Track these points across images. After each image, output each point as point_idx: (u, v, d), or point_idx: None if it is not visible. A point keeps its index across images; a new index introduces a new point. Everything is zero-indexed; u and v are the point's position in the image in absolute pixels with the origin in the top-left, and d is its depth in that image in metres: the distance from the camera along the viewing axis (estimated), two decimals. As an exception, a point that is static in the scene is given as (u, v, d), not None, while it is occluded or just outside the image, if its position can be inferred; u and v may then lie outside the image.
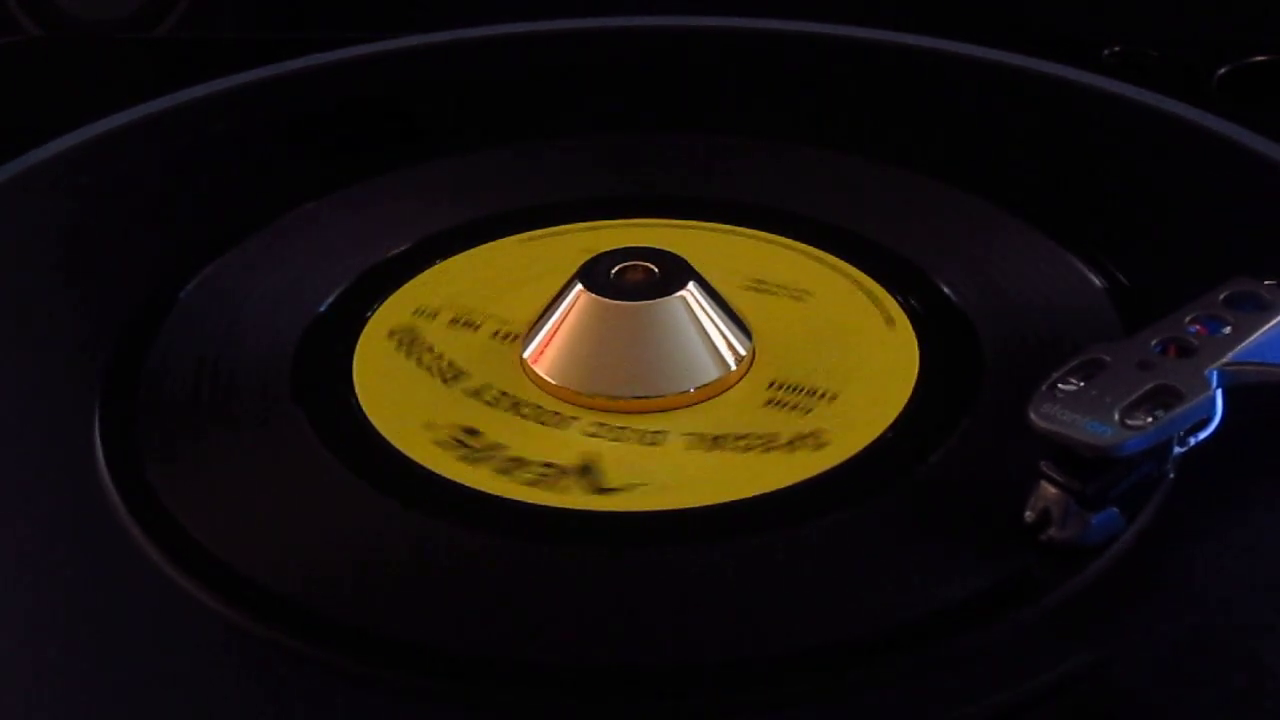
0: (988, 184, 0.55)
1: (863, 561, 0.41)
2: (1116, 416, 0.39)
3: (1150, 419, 0.39)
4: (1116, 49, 0.64)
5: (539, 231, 0.54)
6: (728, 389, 0.46)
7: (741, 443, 0.45)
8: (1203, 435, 0.41)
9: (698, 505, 0.43)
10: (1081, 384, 0.40)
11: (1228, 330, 0.42)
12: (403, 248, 0.53)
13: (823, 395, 0.46)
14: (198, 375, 0.47)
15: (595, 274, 0.47)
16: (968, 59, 0.64)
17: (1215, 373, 0.41)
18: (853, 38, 0.66)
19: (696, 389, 0.46)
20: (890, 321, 0.49)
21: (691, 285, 0.47)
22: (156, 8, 0.75)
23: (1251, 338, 0.42)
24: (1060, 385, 0.40)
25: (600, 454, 0.44)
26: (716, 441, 0.45)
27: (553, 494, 0.43)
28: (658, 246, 0.49)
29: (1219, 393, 0.40)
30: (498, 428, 0.45)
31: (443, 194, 0.56)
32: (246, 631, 0.39)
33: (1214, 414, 0.41)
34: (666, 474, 0.44)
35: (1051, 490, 0.40)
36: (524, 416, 0.46)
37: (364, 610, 0.40)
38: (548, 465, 0.44)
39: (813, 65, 0.65)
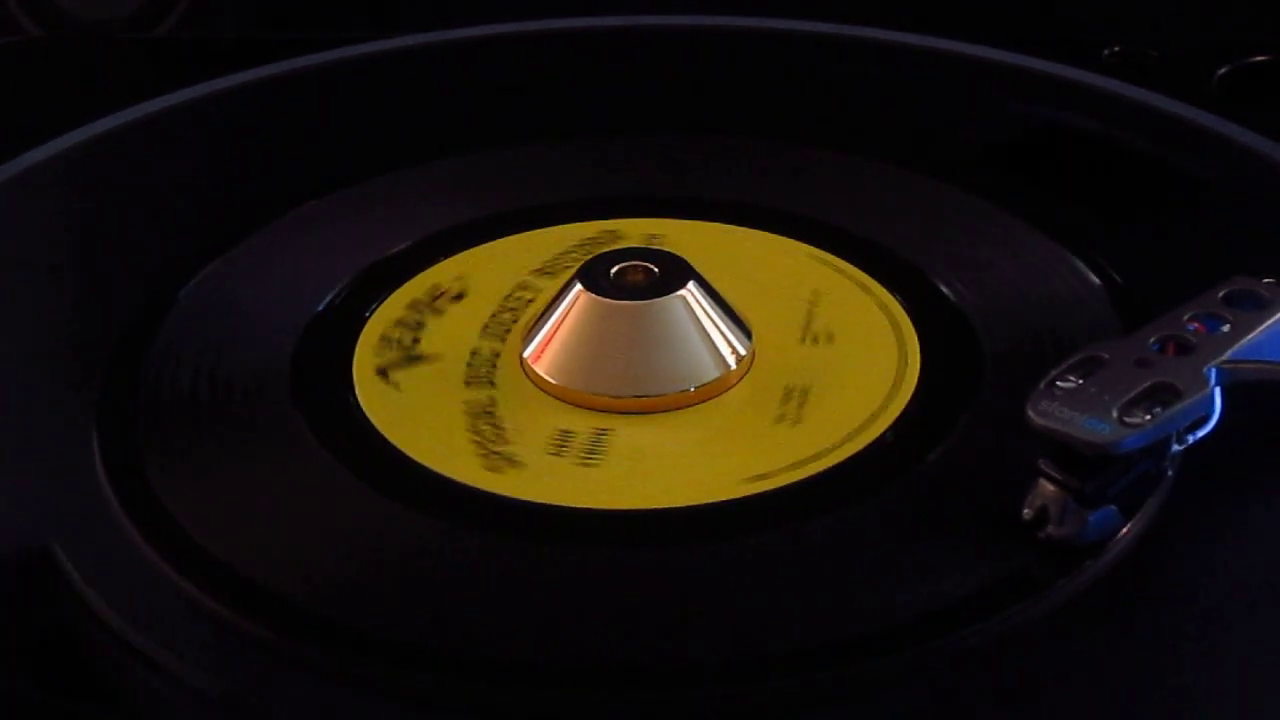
0: (988, 184, 0.55)
1: (863, 560, 0.41)
2: (1115, 414, 0.39)
3: (1148, 416, 0.39)
4: (1116, 49, 0.64)
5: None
6: (728, 389, 0.46)
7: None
8: (1201, 433, 0.41)
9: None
10: (1080, 381, 0.40)
11: (1226, 328, 0.42)
12: (402, 248, 0.53)
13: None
14: (197, 375, 0.47)
15: (595, 274, 0.47)
16: (967, 59, 0.64)
17: (1214, 370, 0.41)
18: (853, 37, 0.66)
19: (696, 389, 0.46)
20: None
21: (691, 285, 0.47)
22: (156, 8, 0.75)
23: (1250, 336, 0.42)
24: (1059, 383, 0.40)
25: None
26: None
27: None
28: (658, 246, 0.49)
29: (1217, 390, 0.40)
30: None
31: (443, 194, 0.56)
32: (246, 631, 0.39)
33: (1212, 412, 0.41)
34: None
35: (1050, 488, 0.40)
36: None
37: (364, 610, 0.40)
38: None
39: (813, 65, 0.65)
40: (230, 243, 0.53)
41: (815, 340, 0.48)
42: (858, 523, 0.42)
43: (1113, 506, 0.40)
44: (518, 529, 0.42)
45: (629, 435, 0.45)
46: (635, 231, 0.53)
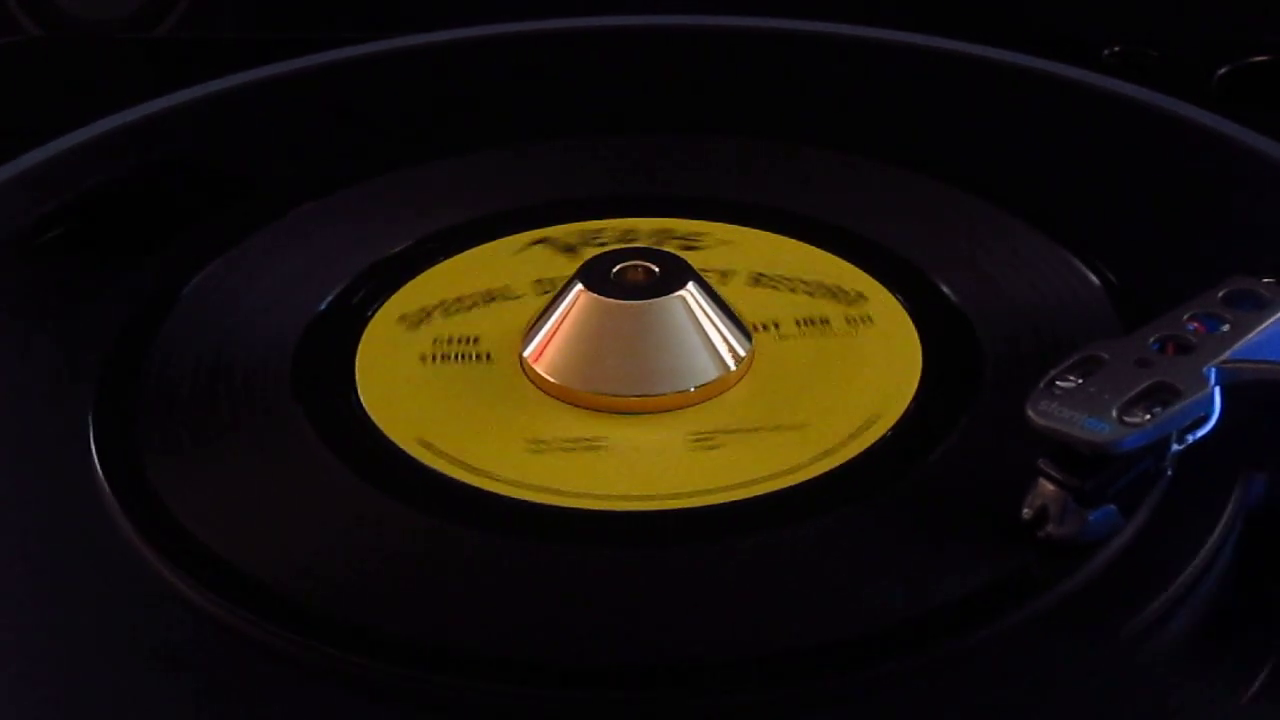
0: (988, 184, 0.55)
1: (863, 560, 0.41)
2: (1114, 413, 0.39)
3: (1148, 416, 0.39)
4: (1116, 49, 0.64)
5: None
6: (728, 389, 0.46)
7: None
8: (1201, 433, 0.41)
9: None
10: (1080, 381, 0.40)
11: (1226, 328, 0.42)
12: (403, 247, 0.53)
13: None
14: (198, 374, 0.47)
15: (595, 274, 0.47)
16: (968, 59, 0.64)
17: (1213, 370, 0.41)
18: (853, 37, 0.66)
19: (696, 389, 0.46)
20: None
21: (691, 285, 0.47)
22: (156, 8, 0.75)
23: (1249, 335, 0.42)
24: (1059, 382, 0.40)
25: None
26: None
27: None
28: (658, 246, 0.49)
29: (1217, 390, 0.40)
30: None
31: (443, 194, 0.56)
32: (246, 631, 0.39)
33: (1212, 411, 0.41)
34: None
35: (1049, 487, 0.40)
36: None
37: (364, 609, 0.40)
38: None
39: (813, 65, 0.65)
40: (230, 242, 0.53)
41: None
42: (857, 523, 0.42)
43: (1113, 506, 0.40)
44: (517, 528, 0.42)
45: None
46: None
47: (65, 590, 0.41)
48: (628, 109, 0.62)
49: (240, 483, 0.44)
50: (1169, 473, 0.41)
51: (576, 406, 0.46)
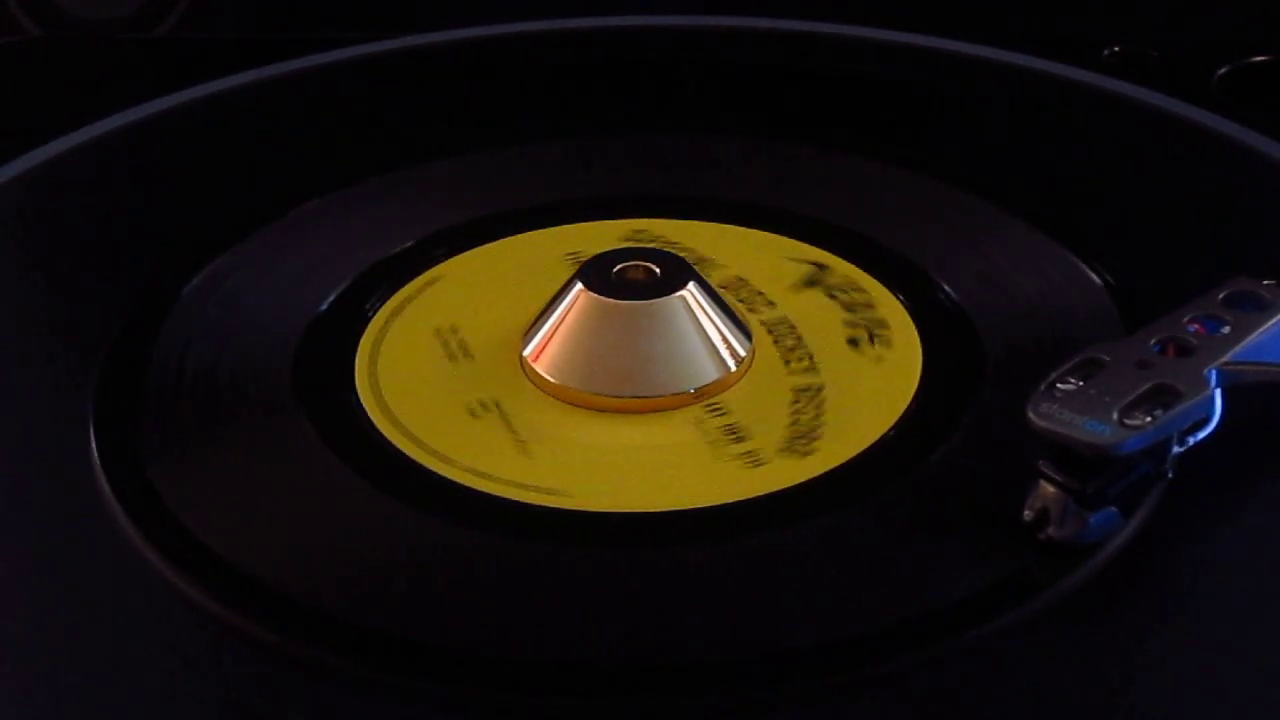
0: (988, 184, 0.55)
1: (863, 560, 0.41)
2: (1115, 416, 0.39)
3: (1149, 418, 0.39)
4: (1116, 49, 0.64)
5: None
6: (728, 389, 0.46)
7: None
8: (1201, 435, 0.41)
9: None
10: (1080, 383, 0.40)
11: (1226, 330, 0.42)
12: (403, 248, 0.53)
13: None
14: (198, 374, 0.47)
15: (595, 274, 0.47)
16: (968, 59, 0.64)
17: (1214, 372, 0.41)
18: (853, 37, 0.66)
19: (696, 389, 0.46)
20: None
21: (691, 285, 0.47)
22: (156, 8, 0.75)
23: (1250, 337, 0.42)
24: (1059, 384, 0.40)
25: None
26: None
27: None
28: (658, 246, 0.49)
29: (1218, 392, 0.40)
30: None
31: (443, 194, 0.56)
32: (246, 631, 0.39)
33: (1213, 413, 0.41)
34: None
35: (1050, 489, 0.40)
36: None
37: (364, 609, 0.40)
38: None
39: (813, 65, 0.65)
40: (231, 242, 0.53)
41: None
42: (858, 523, 0.42)
43: (1113, 508, 0.40)
44: (517, 529, 0.42)
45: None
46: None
47: (65, 590, 0.41)
48: (628, 109, 0.62)
49: (240, 483, 0.44)
50: (1170, 475, 0.41)
51: (576, 406, 0.46)
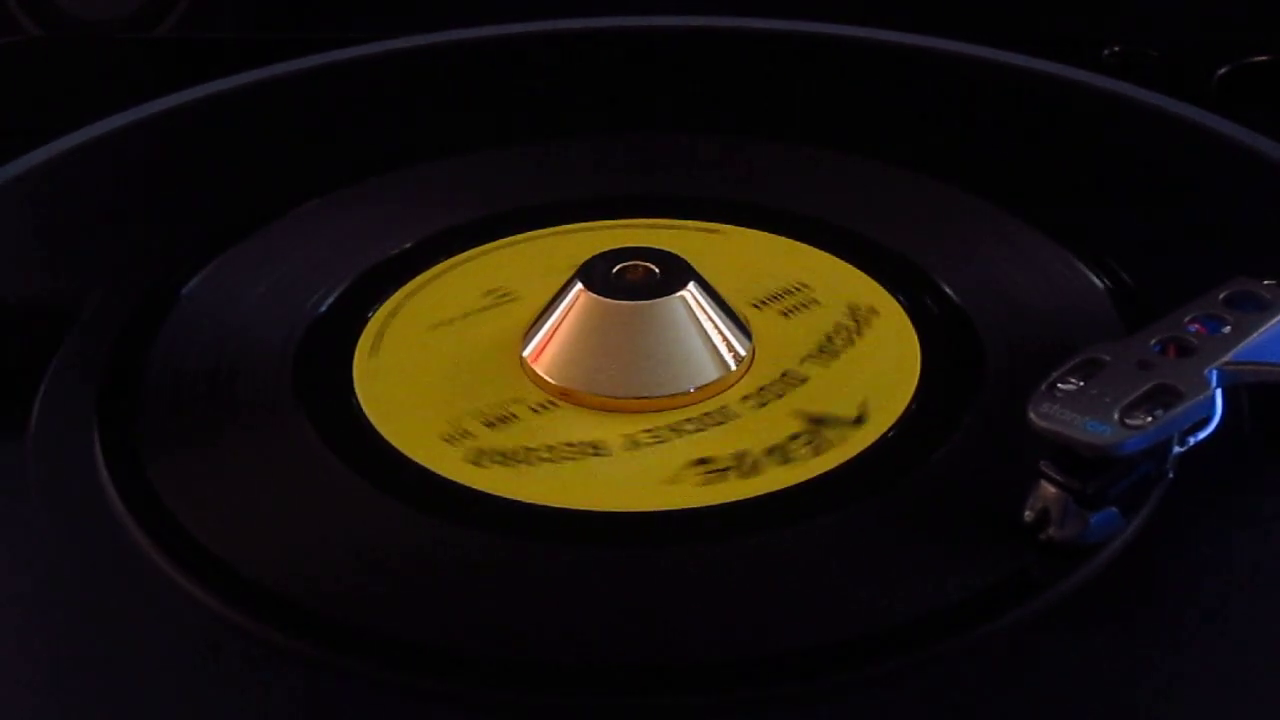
0: (988, 184, 0.55)
1: (863, 560, 0.41)
2: (1116, 416, 0.39)
3: (1150, 418, 0.39)
4: (1116, 49, 0.64)
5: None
6: (728, 389, 0.46)
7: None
8: (1202, 435, 0.41)
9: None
10: (1081, 383, 0.40)
11: (1227, 330, 0.42)
12: (403, 248, 0.53)
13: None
14: (198, 374, 0.47)
15: (595, 274, 0.47)
16: (968, 59, 0.64)
17: (1215, 372, 0.41)
18: (853, 37, 0.66)
19: (696, 389, 0.46)
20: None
21: (691, 285, 0.47)
22: (156, 8, 0.75)
23: (1251, 337, 0.42)
24: (1060, 385, 0.40)
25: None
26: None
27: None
28: (658, 246, 0.49)
29: (1218, 392, 0.40)
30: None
31: (443, 194, 0.56)
32: (246, 631, 0.39)
33: (1213, 413, 0.41)
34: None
35: (1051, 490, 0.40)
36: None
37: (364, 610, 0.40)
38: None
39: (813, 65, 0.65)
40: (230, 242, 0.53)
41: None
42: (858, 523, 0.42)
43: (1114, 508, 0.40)
44: (516, 529, 0.42)
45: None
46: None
47: (65, 590, 0.41)
48: (628, 109, 0.62)
49: (240, 483, 0.44)
50: (1171, 475, 0.41)
51: (576, 406, 0.46)
